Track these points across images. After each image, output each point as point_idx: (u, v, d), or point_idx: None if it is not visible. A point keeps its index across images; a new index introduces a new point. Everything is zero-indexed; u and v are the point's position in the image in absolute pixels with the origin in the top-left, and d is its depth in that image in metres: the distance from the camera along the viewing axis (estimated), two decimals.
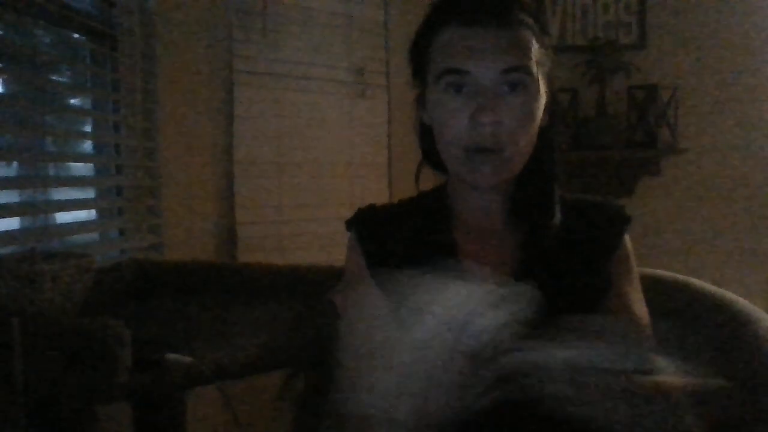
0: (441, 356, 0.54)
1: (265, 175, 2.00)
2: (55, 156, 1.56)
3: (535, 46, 0.78)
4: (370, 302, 0.84)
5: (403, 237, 0.87)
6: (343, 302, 0.92)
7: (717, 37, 2.68)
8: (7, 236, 1.23)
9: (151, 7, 1.63)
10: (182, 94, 1.76)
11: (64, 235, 1.42)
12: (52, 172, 1.49)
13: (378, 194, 2.26)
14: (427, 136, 0.87)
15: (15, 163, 1.41)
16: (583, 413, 0.55)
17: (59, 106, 1.57)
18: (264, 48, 1.98)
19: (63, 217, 1.46)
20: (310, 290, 1.19)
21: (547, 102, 0.83)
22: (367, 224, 0.90)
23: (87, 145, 1.68)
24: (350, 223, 0.91)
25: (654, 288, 0.96)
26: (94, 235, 1.54)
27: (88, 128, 1.67)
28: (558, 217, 0.84)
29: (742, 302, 1.02)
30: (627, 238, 0.87)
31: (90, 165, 1.66)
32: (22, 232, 1.32)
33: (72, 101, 1.73)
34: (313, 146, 2.12)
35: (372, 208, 0.92)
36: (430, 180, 0.93)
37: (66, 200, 1.48)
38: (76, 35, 1.55)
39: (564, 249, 0.83)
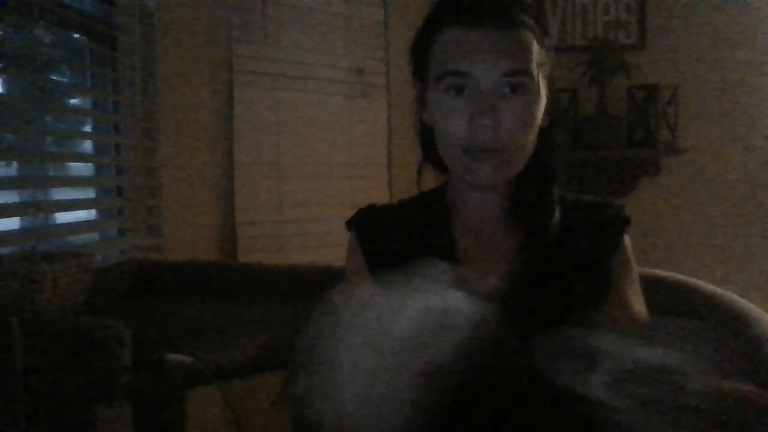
0: (390, 372, 0.53)
1: (265, 175, 2.00)
2: (55, 156, 1.56)
3: (535, 48, 0.78)
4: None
5: (404, 237, 0.87)
6: (343, 302, 0.92)
7: (717, 37, 2.68)
8: (7, 236, 1.23)
9: (151, 7, 1.63)
10: (182, 94, 1.76)
11: (64, 235, 1.42)
12: (52, 172, 1.49)
13: (378, 194, 2.26)
14: (427, 135, 0.87)
15: (15, 163, 1.41)
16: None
17: (59, 106, 1.58)
18: (264, 48, 1.98)
19: (63, 217, 1.46)
20: (310, 290, 1.19)
21: (547, 103, 0.83)
22: (368, 224, 0.90)
23: (87, 145, 1.68)
24: (350, 223, 0.91)
25: (654, 288, 0.96)
26: (94, 235, 1.54)
27: (88, 128, 1.67)
28: (557, 217, 0.84)
29: (742, 302, 1.02)
30: (627, 238, 0.87)
31: (90, 165, 1.66)
32: (22, 232, 1.32)
33: (72, 101, 1.73)
34: (313, 146, 2.12)
35: (372, 208, 0.92)
36: (430, 180, 0.93)
37: (66, 200, 1.48)
38: (76, 35, 1.55)
39: (563, 249, 0.83)
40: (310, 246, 2.07)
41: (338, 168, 2.20)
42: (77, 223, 1.51)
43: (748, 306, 1.01)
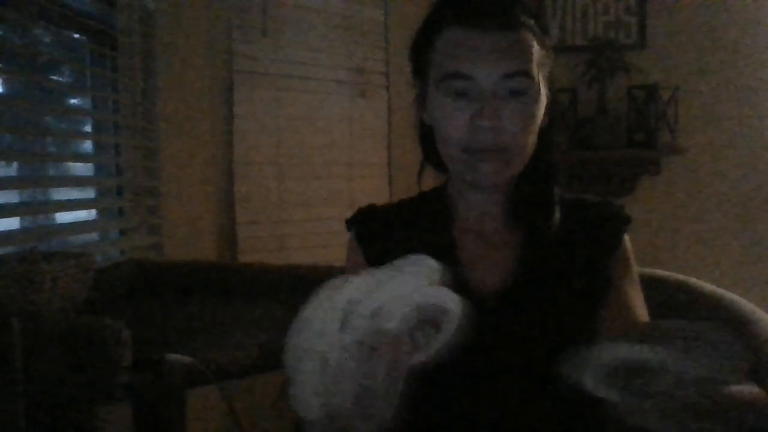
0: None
1: (265, 175, 2.00)
2: (55, 156, 1.56)
3: (536, 48, 0.78)
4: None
5: (404, 236, 0.87)
6: (332, 296, 0.92)
7: (717, 37, 2.68)
8: (7, 236, 1.23)
9: (151, 7, 1.63)
10: (182, 94, 1.76)
11: (64, 235, 1.42)
12: (52, 172, 1.49)
13: (378, 194, 2.26)
14: (427, 135, 0.87)
15: (15, 163, 1.41)
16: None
17: (59, 106, 1.58)
18: (264, 48, 1.99)
19: (63, 217, 1.46)
20: (310, 290, 1.19)
21: (547, 103, 0.83)
22: (368, 224, 0.90)
23: (87, 145, 1.68)
24: (350, 223, 0.91)
25: (654, 288, 0.96)
26: (94, 235, 1.54)
27: (88, 128, 1.67)
28: (557, 216, 0.84)
29: (742, 302, 1.02)
30: (627, 238, 0.87)
31: (90, 165, 1.66)
32: (22, 232, 1.32)
33: (72, 101, 1.73)
34: (313, 146, 2.12)
35: (372, 207, 0.92)
36: (430, 180, 0.93)
37: (66, 200, 1.48)
38: (76, 35, 1.55)
39: (563, 249, 0.83)
40: (310, 246, 2.07)
41: (338, 168, 2.20)
42: (77, 223, 1.51)
43: (748, 306, 1.01)
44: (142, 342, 0.85)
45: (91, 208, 1.61)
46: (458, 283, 0.82)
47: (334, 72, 2.18)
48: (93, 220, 1.58)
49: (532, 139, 0.81)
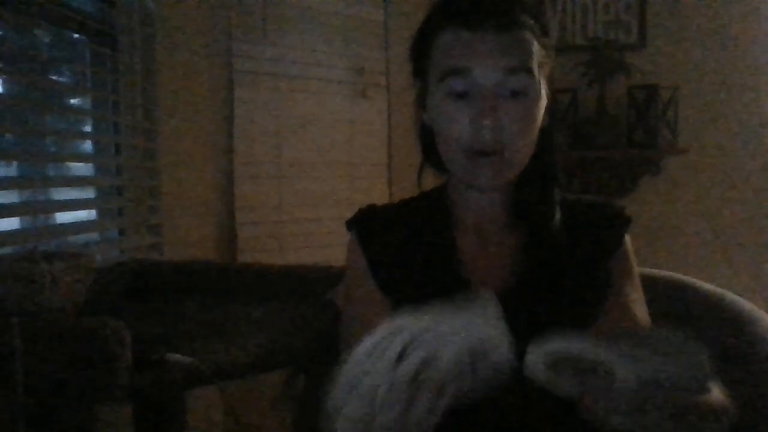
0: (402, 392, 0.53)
1: (265, 175, 2.00)
2: (55, 156, 1.56)
3: (536, 48, 0.78)
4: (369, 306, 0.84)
5: (404, 237, 0.87)
6: (344, 302, 0.93)
7: (717, 37, 2.68)
8: (7, 236, 1.23)
9: (151, 7, 1.63)
10: (182, 94, 1.76)
11: (64, 235, 1.42)
12: (52, 172, 1.49)
13: (378, 194, 2.26)
14: (427, 136, 0.87)
15: (15, 163, 1.41)
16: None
17: (59, 106, 1.57)
18: (264, 48, 1.98)
19: (63, 217, 1.46)
20: (310, 290, 1.19)
21: (547, 102, 0.83)
22: (368, 224, 0.90)
23: (87, 145, 1.68)
24: (351, 223, 0.91)
25: (654, 288, 0.96)
26: (94, 235, 1.54)
27: (88, 128, 1.67)
28: (558, 218, 0.84)
29: (742, 302, 1.02)
30: (628, 238, 0.87)
31: (90, 165, 1.66)
32: (22, 232, 1.32)
33: (72, 101, 1.73)
34: (313, 146, 2.12)
35: (372, 208, 0.92)
36: (430, 180, 0.93)
37: (66, 200, 1.48)
38: (76, 35, 1.55)
39: (564, 249, 0.83)
40: (310, 246, 2.07)
41: (338, 168, 2.20)
42: (77, 223, 1.51)
43: (748, 306, 1.01)
44: (142, 342, 0.85)
45: (91, 208, 1.60)
46: (458, 284, 0.82)
47: (334, 72, 2.18)
48: (93, 220, 1.58)
49: (532, 140, 0.81)
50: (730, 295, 1.04)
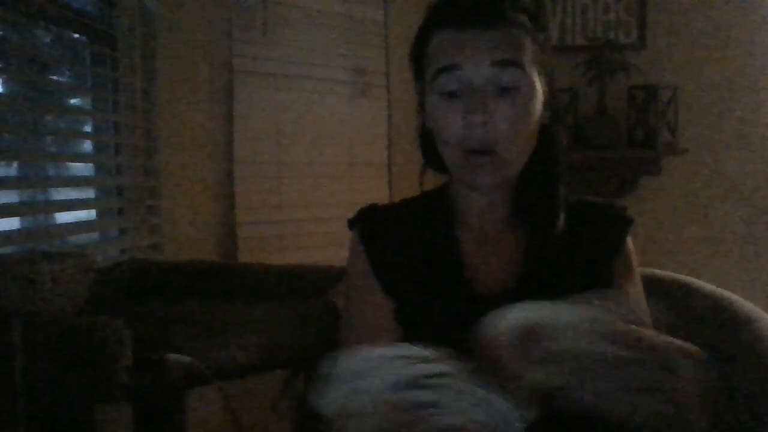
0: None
1: (265, 175, 2.00)
2: (55, 156, 1.56)
3: (528, 43, 0.78)
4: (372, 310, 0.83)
5: (406, 237, 0.87)
6: (345, 302, 0.93)
7: (717, 37, 2.68)
8: (7, 236, 1.23)
9: (151, 7, 1.63)
10: (182, 94, 1.76)
11: (64, 235, 1.42)
12: (52, 172, 1.49)
13: (378, 194, 2.26)
14: (428, 138, 0.87)
15: (15, 163, 1.41)
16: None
17: (59, 106, 1.57)
18: (264, 48, 1.98)
19: (63, 217, 1.46)
20: (310, 290, 1.19)
21: (547, 99, 0.83)
22: (370, 224, 0.90)
23: (87, 145, 1.68)
24: (352, 223, 0.91)
25: (654, 288, 0.96)
26: (94, 235, 1.54)
27: (88, 128, 1.67)
28: (562, 218, 0.84)
29: (742, 302, 1.02)
30: (629, 239, 0.87)
31: (90, 165, 1.66)
32: (22, 232, 1.32)
33: (72, 101, 1.73)
34: (313, 146, 2.12)
35: (374, 207, 0.92)
36: (431, 180, 0.93)
37: (66, 200, 1.48)
38: (76, 35, 1.55)
39: (566, 250, 0.83)
40: (310, 246, 2.07)
41: (338, 168, 2.20)
42: (77, 223, 1.51)
43: (748, 306, 1.01)
44: (142, 342, 0.85)
45: (91, 208, 1.60)
46: (460, 284, 0.82)
47: (334, 72, 2.18)
48: (93, 220, 1.58)
49: (528, 136, 0.80)
50: (730, 295, 1.04)
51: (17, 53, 1.31)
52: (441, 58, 0.79)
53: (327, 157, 2.16)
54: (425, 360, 0.54)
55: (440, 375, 0.53)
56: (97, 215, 1.60)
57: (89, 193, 1.63)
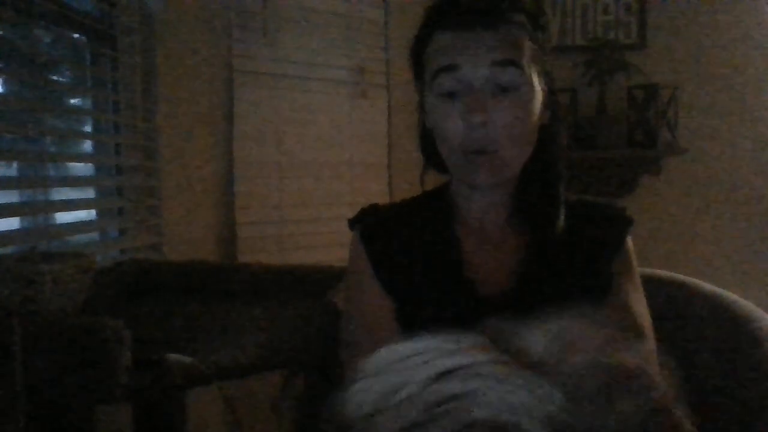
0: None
1: (265, 175, 2.00)
2: (55, 156, 1.56)
3: (527, 43, 0.79)
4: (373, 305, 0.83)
5: (407, 237, 0.87)
6: (346, 302, 0.92)
7: (717, 37, 2.68)
8: (7, 236, 1.23)
9: (151, 7, 1.63)
10: (182, 94, 1.76)
11: (64, 235, 1.42)
12: (52, 172, 1.49)
13: (378, 194, 2.26)
14: (429, 139, 0.87)
15: (15, 163, 1.41)
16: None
17: (59, 106, 1.57)
18: (264, 48, 1.98)
19: (63, 217, 1.46)
20: (310, 290, 1.19)
21: (547, 99, 0.83)
22: (371, 223, 0.90)
23: (87, 145, 1.68)
24: (353, 222, 0.91)
25: (654, 288, 0.96)
26: (94, 235, 1.54)
27: (88, 128, 1.67)
28: (562, 218, 0.84)
29: (742, 302, 1.01)
30: (629, 240, 0.87)
31: (90, 165, 1.66)
32: (22, 232, 1.32)
33: (72, 101, 1.73)
34: (313, 146, 2.12)
35: (375, 207, 0.92)
36: (431, 180, 0.93)
37: (66, 200, 1.48)
38: (76, 35, 1.55)
39: (566, 250, 0.83)
40: (310, 246, 2.07)
41: (338, 168, 2.20)
42: (77, 223, 1.51)
43: (748, 306, 1.01)
44: (142, 342, 0.85)
45: (91, 208, 1.61)
46: (460, 284, 0.82)
47: (334, 72, 2.18)
48: (93, 220, 1.58)
49: (527, 135, 0.80)
50: (730, 295, 1.03)
51: (17, 53, 1.31)
52: (440, 58, 0.79)
53: (327, 157, 2.16)
54: (457, 351, 0.53)
55: (474, 365, 0.52)
56: (97, 215, 1.60)
57: (89, 193, 1.64)
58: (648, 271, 1.06)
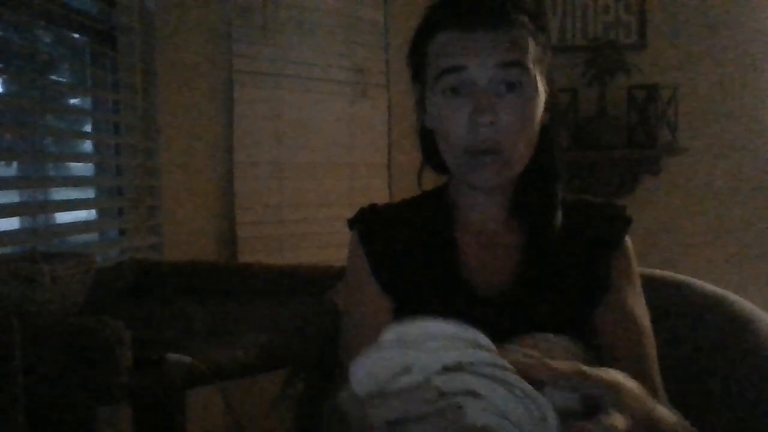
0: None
1: (265, 175, 2.00)
2: (55, 156, 1.56)
3: (531, 44, 0.79)
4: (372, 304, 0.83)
5: (405, 237, 0.87)
6: (345, 302, 0.93)
7: (717, 38, 2.68)
8: (7, 236, 1.23)
9: (151, 7, 1.63)
10: (182, 94, 1.76)
11: (64, 235, 1.42)
12: (52, 172, 1.49)
13: (378, 194, 2.26)
14: (428, 140, 0.87)
15: (15, 163, 1.41)
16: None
17: (59, 106, 1.57)
18: (264, 48, 1.98)
19: (63, 217, 1.46)
20: (310, 290, 1.19)
21: (547, 100, 0.83)
22: (370, 223, 0.90)
23: (87, 145, 1.68)
24: (352, 222, 0.91)
25: (654, 288, 0.96)
26: (94, 235, 1.55)
27: (88, 128, 1.67)
28: (559, 218, 0.84)
29: (742, 302, 1.02)
30: (628, 239, 0.87)
31: (90, 165, 1.66)
32: (22, 232, 1.32)
33: (72, 101, 1.74)
34: (313, 146, 2.12)
35: (374, 207, 0.92)
36: (430, 180, 0.93)
37: (66, 200, 1.48)
38: (76, 35, 1.55)
39: (565, 250, 0.83)
40: (310, 246, 2.07)
41: (338, 168, 2.20)
42: (77, 223, 1.51)
43: (748, 306, 1.01)
44: (142, 342, 0.85)
45: (91, 208, 1.61)
46: (458, 284, 0.82)
47: (334, 72, 2.18)
48: (93, 220, 1.58)
49: (531, 137, 0.81)
50: (730, 295, 1.04)
51: (17, 53, 1.31)
52: (445, 58, 0.79)
53: (327, 157, 2.16)
54: (466, 346, 0.53)
55: (477, 364, 0.52)
56: (97, 215, 1.60)
57: (89, 193, 1.64)
58: (648, 271, 1.06)
